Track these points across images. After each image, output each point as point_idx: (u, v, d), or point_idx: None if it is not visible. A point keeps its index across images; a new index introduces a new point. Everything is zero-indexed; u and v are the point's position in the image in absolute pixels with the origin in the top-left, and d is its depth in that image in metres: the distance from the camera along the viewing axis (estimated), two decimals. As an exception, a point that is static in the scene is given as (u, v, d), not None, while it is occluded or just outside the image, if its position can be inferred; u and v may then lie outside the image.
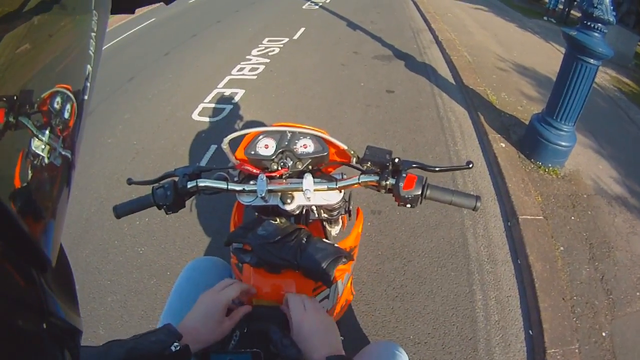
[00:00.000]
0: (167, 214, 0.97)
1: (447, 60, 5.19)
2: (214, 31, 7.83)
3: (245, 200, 0.99)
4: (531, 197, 2.64)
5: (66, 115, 0.23)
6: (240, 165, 1.01)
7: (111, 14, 0.33)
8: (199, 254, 2.35)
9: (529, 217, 2.48)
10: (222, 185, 0.95)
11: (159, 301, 2.11)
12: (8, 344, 0.20)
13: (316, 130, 1.03)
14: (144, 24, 10.10)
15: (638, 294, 2.11)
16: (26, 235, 0.21)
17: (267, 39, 6.43)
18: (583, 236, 2.42)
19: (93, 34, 0.25)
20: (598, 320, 1.96)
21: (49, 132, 0.22)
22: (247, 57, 5.61)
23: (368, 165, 0.91)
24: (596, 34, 2.44)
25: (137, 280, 2.25)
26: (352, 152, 0.96)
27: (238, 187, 0.94)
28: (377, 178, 0.88)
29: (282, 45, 6.09)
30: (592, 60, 2.51)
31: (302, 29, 7.00)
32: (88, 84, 0.25)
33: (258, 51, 5.85)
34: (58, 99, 0.22)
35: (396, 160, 0.87)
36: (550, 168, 2.94)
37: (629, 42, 6.47)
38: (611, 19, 2.36)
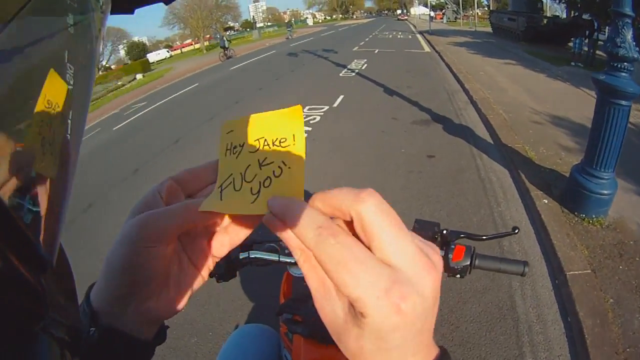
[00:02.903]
0: (217, 282, 0.97)
1: (483, 120, 5.62)
2: (256, 98, 8.69)
3: (296, 272, 1.03)
4: (577, 251, 2.78)
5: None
6: None
7: (111, 14, 0.35)
8: (243, 317, 2.46)
9: (576, 272, 2.54)
10: (273, 257, 0.96)
11: (198, 362, 2.22)
12: (7, 344, 0.21)
13: None
14: (188, 89, 11.27)
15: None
16: (26, 235, 0.21)
17: (307, 107, 7.15)
18: (633, 284, 2.43)
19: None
20: (655, 369, 2.05)
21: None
22: (290, 125, 6.26)
23: None
24: (624, 74, 2.58)
25: (176, 337, 2.34)
26: None
27: (289, 260, 0.95)
28: None
29: (322, 113, 6.78)
30: (623, 102, 2.63)
31: (341, 97, 7.73)
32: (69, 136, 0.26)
33: (300, 119, 6.51)
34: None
35: (444, 231, 0.91)
36: (595, 219, 3.01)
37: (660, 72, 6.54)
38: (636, 56, 2.50)
